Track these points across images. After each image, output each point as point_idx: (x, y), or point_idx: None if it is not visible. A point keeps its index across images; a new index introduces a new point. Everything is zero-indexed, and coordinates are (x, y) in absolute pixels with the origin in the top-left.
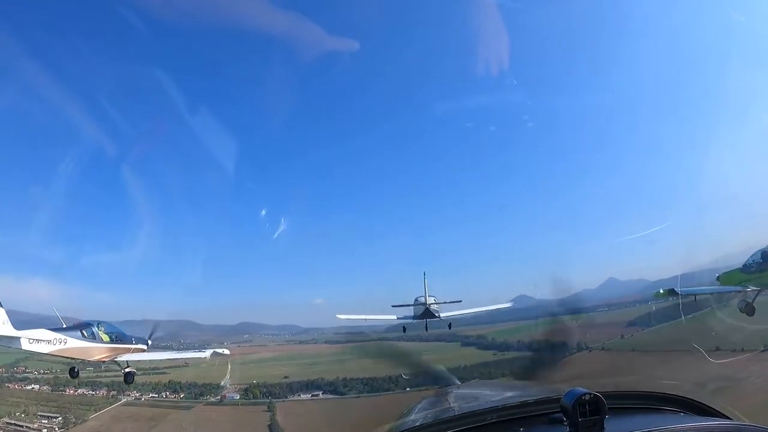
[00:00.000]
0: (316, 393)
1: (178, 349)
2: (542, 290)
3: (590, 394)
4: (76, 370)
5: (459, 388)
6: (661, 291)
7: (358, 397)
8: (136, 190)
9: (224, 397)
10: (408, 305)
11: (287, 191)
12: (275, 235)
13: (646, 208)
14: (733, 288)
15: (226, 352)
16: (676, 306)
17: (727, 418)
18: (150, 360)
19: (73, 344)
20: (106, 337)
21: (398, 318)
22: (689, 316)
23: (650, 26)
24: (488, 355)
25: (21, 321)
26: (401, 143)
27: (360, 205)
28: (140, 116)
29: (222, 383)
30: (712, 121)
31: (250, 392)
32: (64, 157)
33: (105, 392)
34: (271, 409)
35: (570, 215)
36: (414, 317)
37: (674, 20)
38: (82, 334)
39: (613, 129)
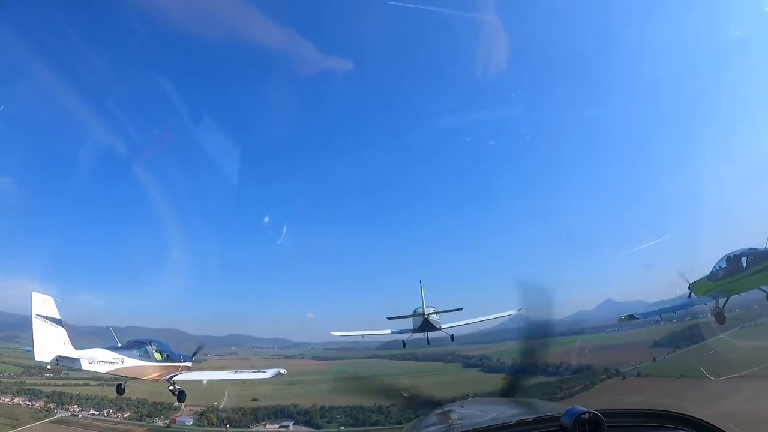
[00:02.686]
0: (285, 424)
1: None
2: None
3: (589, 412)
4: (123, 387)
5: (458, 406)
6: (623, 317)
7: None
8: (131, 199)
9: (174, 421)
10: (405, 316)
11: (285, 207)
12: (277, 242)
13: (643, 227)
14: (690, 302)
15: (283, 371)
16: (707, 324)
17: None
18: (206, 380)
19: (130, 363)
20: (158, 356)
21: (393, 332)
22: (728, 332)
23: (646, 43)
24: (496, 380)
25: (9, 323)
26: (401, 159)
27: (356, 222)
28: (142, 125)
29: (176, 404)
30: (711, 136)
31: (206, 417)
32: (66, 161)
33: (42, 404)
34: None
35: (567, 236)
36: (413, 330)
37: (673, 37)
38: (137, 353)
39: (611, 145)
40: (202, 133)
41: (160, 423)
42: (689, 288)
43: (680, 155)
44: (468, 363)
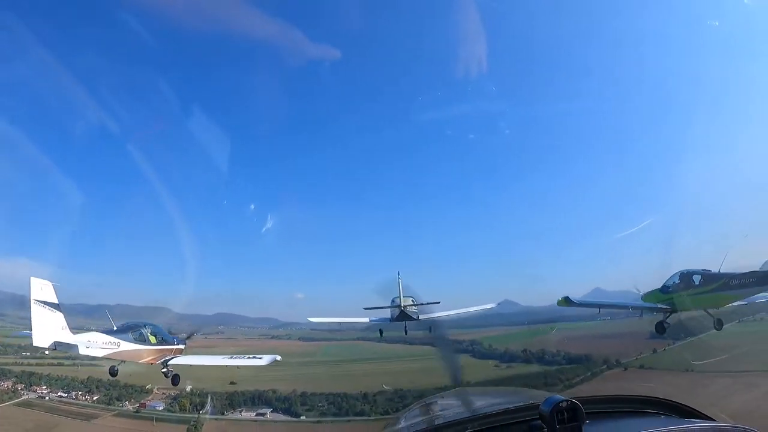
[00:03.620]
0: (262, 411)
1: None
2: (526, 296)
3: (567, 401)
4: (116, 369)
5: (442, 397)
6: (560, 299)
7: (318, 422)
8: (121, 180)
9: (144, 406)
10: (382, 307)
11: (275, 190)
12: (262, 230)
13: (630, 216)
14: (633, 304)
15: (278, 358)
16: (700, 317)
17: (711, 419)
18: (199, 365)
19: (125, 347)
20: (153, 339)
21: (371, 321)
22: (729, 324)
23: (628, 36)
24: (488, 367)
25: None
26: (386, 148)
27: (345, 207)
28: (135, 112)
29: (149, 386)
30: (696, 123)
31: (178, 402)
32: (61, 145)
33: (9, 385)
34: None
35: (555, 224)
36: (390, 319)
37: (655, 26)
38: (132, 336)
39: (595, 135)
40: (192, 118)
41: (129, 407)
42: (642, 299)
43: (664, 144)
44: (458, 348)
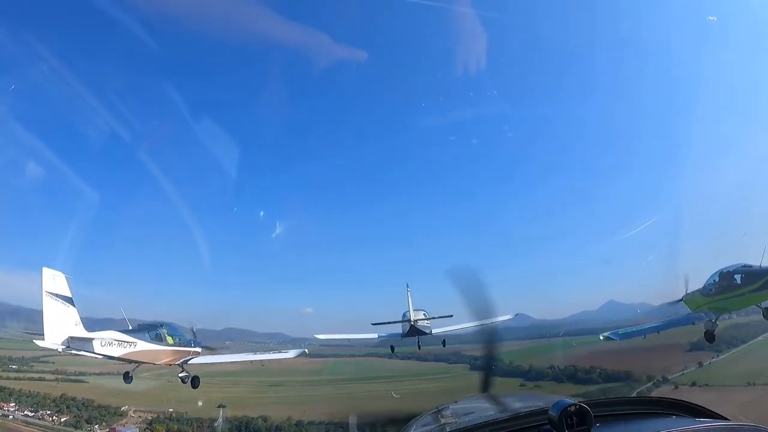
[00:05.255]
0: None
1: None
2: (539, 310)
3: (576, 404)
4: (130, 375)
5: (454, 403)
6: (601, 337)
7: None
8: (123, 191)
9: (114, 431)
10: (391, 322)
11: (284, 200)
12: (271, 238)
13: (642, 221)
14: (677, 320)
15: (306, 351)
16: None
17: (725, 418)
18: (222, 362)
19: (142, 347)
20: (170, 340)
21: (380, 336)
22: None
23: (630, 36)
24: (513, 386)
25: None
26: (398, 156)
27: (356, 218)
28: (143, 119)
29: (124, 408)
30: (706, 125)
31: (152, 428)
32: (66, 153)
33: None
34: None
35: (566, 234)
36: (402, 335)
37: (662, 26)
38: (149, 336)
39: (601, 139)
40: (197, 128)
41: (98, 431)
42: (684, 301)
43: (670, 144)
44: (476, 365)
